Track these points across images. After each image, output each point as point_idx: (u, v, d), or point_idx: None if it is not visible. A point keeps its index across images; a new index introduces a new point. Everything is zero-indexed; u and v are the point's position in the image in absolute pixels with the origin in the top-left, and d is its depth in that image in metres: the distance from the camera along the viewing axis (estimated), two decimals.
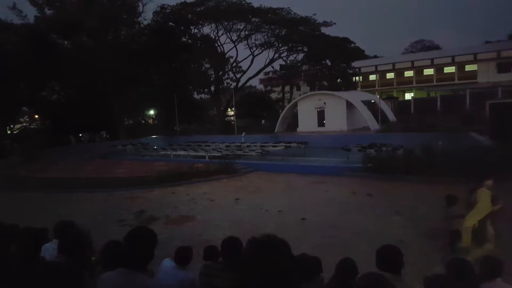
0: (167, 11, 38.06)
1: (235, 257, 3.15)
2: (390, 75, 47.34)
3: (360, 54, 47.80)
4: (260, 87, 55.16)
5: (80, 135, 35.25)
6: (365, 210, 9.50)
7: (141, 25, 35.98)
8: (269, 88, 49.05)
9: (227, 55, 43.49)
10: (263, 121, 42.45)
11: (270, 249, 1.25)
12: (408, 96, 45.41)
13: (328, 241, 7.08)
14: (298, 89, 48.56)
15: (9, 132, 33.24)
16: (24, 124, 37.83)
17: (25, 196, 13.34)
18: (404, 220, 8.31)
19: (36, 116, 37.61)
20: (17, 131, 34.85)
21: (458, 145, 14.04)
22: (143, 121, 43.45)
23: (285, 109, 36.30)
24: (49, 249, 2.70)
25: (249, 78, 44.57)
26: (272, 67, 45.68)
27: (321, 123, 31.81)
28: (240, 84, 44.18)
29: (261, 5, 38.17)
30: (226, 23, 39.59)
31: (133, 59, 30.74)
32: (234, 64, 44.17)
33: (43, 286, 1.43)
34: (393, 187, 12.25)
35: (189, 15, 39.15)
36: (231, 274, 2.98)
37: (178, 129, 35.91)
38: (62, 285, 1.42)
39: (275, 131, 32.16)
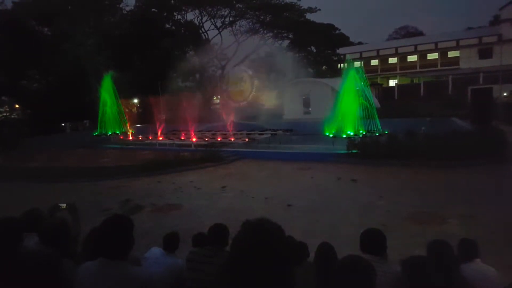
0: None
1: (221, 243, 3.18)
2: (374, 62, 47.57)
3: (345, 41, 47.82)
4: None
5: (63, 124, 34.40)
6: (350, 196, 9.65)
7: (124, 11, 35.14)
8: None
9: (211, 42, 42.96)
10: None
11: (264, 232, 1.26)
12: (392, 82, 45.82)
13: (314, 226, 7.18)
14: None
15: None
16: (5, 114, 36.78)
17: (5, 186, 12.94)
18: (387, 205, 8.47)
19: (17, 106, 36.61)
20: None
21: (440, 130, 14.35)
22: (127, 110, 42.74)
23: None
24: (30, 239, 2.66)
25: (235, 66, 44.19)
26: (258, 54, 45.41)
27: (306, 110, 31.86)
28: (225, 72, 43.79)
29: None
30: (210, 9, 38.94)
31: (115, 46, 30.06)
32: (219, 51, 43.66)
33: (22, 274, 1.41)
34: (377, 172, 12.44)
35: (172, 1, 38.36)
36: (217, 259, 3.00)
37: (163, 118, 35.43)
38: (40, 273, 1.41)
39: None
